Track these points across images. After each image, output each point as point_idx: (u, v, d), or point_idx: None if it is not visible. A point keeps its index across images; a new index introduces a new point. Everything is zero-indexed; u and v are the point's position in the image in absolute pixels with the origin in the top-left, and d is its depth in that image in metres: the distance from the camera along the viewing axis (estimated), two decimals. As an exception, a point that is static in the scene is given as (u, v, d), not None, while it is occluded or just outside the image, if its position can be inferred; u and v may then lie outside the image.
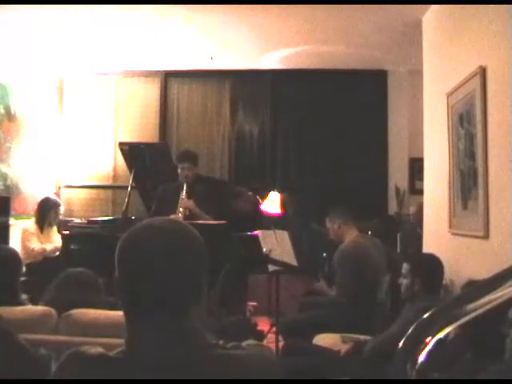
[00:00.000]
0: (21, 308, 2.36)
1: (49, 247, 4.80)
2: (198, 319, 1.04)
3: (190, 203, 4.08)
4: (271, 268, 3.52)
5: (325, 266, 4.46)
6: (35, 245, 4.78)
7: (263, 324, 4.43)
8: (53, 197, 5.35)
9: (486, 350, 1.90)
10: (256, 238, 3.60)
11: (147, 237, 1.04)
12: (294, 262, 3.59)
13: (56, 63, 5.97)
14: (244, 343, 1.12)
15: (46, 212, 4.97)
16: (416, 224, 4.87)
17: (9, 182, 5.32)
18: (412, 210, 5.08)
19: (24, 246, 4.75)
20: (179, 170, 4.20)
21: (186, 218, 3.96)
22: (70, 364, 1.04)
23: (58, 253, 4.70)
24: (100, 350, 1.04)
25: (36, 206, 5.07)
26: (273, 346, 3.42)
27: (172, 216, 3.91)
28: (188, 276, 1.03)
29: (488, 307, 0.98)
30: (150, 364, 0.98)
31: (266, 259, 3.43)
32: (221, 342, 1.08)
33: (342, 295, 3.57)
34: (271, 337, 3.92)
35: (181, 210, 4.03)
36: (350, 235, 3.72)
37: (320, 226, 5.04)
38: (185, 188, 4.08)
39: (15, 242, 4.66)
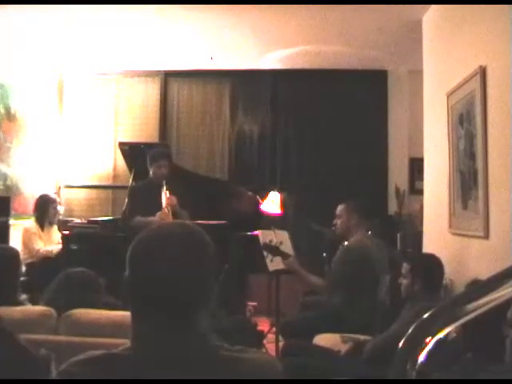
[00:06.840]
0: (20, 308, 2.36)
1: (55, 250, 4.76)
2: (206, 321, 1.05)
3: (174, 200, 4.09)
4: (271, 268, 3.51)
5: (325, 266, 4.45)
6: (40, 246, 4.77)
7: (263, 324, 4.44)
8: (48, 193, 5.33)
9: (486, 350, 1.91)
10: (256, 238, 3.60)
11: (159, 240, 1.06)
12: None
13: (56, 63, 5.97)
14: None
15: (44, 209, 4.97)
16: (416, 222, 4.87)
17: (9, 182, 5.32)
18: (417, 207, 5.07)
19: (27, 246, 4.74)
20: (154, 169, 4.16)
21: (173, 215, 4.03)
22: (70, 371, 1.02)
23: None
24: (102, 351, 1.04)
25: (33, 205, 5.06)
26: (273, 346, 3.42)
27: (158, 214, 3.98)
28: (198, 279, 1.04)
29: (488, 307, 0.98)
30: (156, 364, 0.99)
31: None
32: (226, 345, 1.08)
33: (336, 292, 3.50)
34: (271, 337, 3.92)
35: (166, 208, 4.05)
36: (358, 233, 3.60)
37: (320, 225, 5.04)
38: (164, 186, 4.09)
39: (15, 242, 4.65)
